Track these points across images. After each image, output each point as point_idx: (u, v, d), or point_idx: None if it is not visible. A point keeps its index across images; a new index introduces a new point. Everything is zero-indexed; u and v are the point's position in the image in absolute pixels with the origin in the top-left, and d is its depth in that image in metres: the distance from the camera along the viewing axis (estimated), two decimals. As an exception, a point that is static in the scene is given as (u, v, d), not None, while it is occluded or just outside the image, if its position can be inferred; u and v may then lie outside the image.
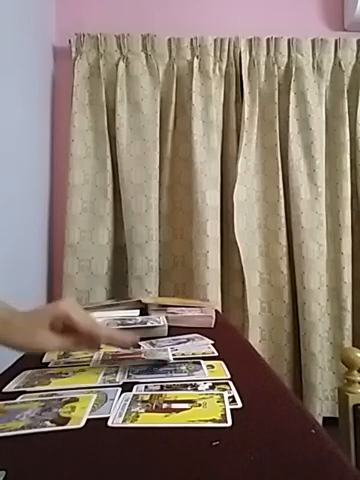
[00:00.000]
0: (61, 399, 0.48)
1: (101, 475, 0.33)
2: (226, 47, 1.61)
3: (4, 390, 0.53)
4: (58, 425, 0.41)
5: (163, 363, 0.59)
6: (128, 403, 0.46)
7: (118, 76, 1.57)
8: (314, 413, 1.47)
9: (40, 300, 1.52)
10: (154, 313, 1.00)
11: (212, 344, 0.72)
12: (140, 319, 0.89)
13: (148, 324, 0.82)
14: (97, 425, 0.41)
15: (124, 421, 0.41)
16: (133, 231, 1.53)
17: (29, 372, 0.60)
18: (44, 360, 0.67)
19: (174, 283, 1.61)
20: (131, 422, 0.41)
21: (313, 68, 1.64)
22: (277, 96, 1.62)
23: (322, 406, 1.51)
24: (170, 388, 0.50)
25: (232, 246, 1.57)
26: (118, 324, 0.84)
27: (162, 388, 0.50)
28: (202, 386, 0.51)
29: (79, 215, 1.55)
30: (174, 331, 0.82)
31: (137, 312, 1.03)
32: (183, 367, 0.58)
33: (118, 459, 0.35)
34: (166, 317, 0.90)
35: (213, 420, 0.41)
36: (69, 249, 1.53)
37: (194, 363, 0.61)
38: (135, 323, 0.84)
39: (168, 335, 0.80)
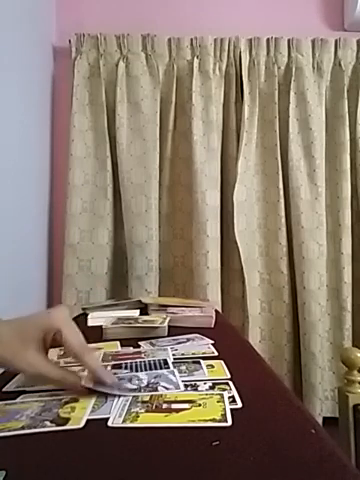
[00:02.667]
0: (61, 399, 0.48)
1: (101, 475, 0.33)
2: (226, 47, 1.62)
3: (4, 390, 0.53)
4: (58, 425, 0.41)
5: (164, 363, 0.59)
6: (128, 403, 0.45)
7: (118, 76, 1.57)
8: (314, 413, 1.47)
9: (40, 300, 1.52)
10: (154, 313, 1.00)
11: (212, 344, 0.72)
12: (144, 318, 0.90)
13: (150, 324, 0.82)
14: (97, 425, 0.41)
15: (124, 421, 0.41)
16: (133, 231, 1.53)
17: (29, 372, 0.60)
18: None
19: (174, 283, 1.61)
20: (131, 422, 0.41)
21: (313, 68, 1.64)
22: (277, 96, 1.62)
23: (322, 406, 1.51)
24: (170, 388, 0.50)
25: (232, 246, 1.57)
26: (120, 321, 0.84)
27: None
28: (202, 386, 0.51)
29: (79, 215, 1.55)
30: (174, 331, 0.81)
31: (137, 312, 1.03)
32: (183, 367, 0.58)
33: (118, 459, 0.35)
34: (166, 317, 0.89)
35: (213, 420, 0.41)
36: (69, 249, 1.53)
37: (194, 363, 0.61)
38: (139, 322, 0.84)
39: (168, 335, 0.80)
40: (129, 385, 0.51)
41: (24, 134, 1.36)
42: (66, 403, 0.46)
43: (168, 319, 0.85)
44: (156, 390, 0.49)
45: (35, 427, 0.41)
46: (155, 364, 0.59)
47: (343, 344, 1.56)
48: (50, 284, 1.59)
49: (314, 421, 0.42)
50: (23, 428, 0.41)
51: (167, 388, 0.50)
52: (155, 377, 0.54)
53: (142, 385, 0.51)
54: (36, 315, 0.53)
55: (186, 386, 0.51)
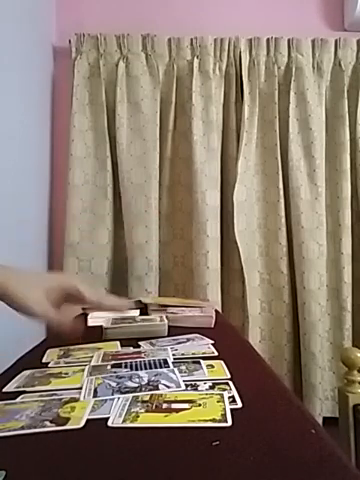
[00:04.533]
0: (61, 399, 0.48)
1: (101, 475, 0.33)
2: (226, 47, 1.62)
3: (4, 390, 0.53)
4: (58, 425, 0.41)
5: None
6: (128, 403, 0.45)
7: (118, 76, 1.57)
8: (314, 413, 1.47)
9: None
10: (154, 313, 1.00)
11: (212, 344, 0.72)
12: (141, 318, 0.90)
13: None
14: (97, 425, 0.41)
15: (124, 421, 0.41)
16: (133, 231, 1.53)
17: (29, 372, 0.60)
18: (44, 360, 0.67)
19: (174, 283, 1.61)
20: (131, 422, 0.41)
21: (313, 68, 1.64)
22: (277, 96, 1.62)
23: (322, 406, 1.51)
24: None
25: (232, 246, 1.57)
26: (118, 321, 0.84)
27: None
28: (202, 386, 0.51)
29: (79, 215, 1.55)
30: (174, 331, 0.81)
31: (137, 312, 1.03)
32: (183, 367, 0.58)
33: (118, 459, 0.35)
34: (166, 317, 0.89)
35: (213, 420, 0.41)
36: (69, 249, 1.53)
37: (194, 363, 0.60)
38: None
39: (168, 335, 0.80)
40: (130, 383, 0.51)
41: (24, 134, 1.36)
42: (66, 403, 0.46)
43: (166, 319, 0.85)
44: (157, 388, 0.49)
45: (35, 427, 0.41)
46: (155, 364, 0.59)
47: (343, 344, 1.56)
48: (50, 284, 1.59)
49: (314, 421, 0.42)
50: (23, 428, 0.41)
51: (168, 386, 0.50)
52: (155, 375, 0.54)
53: (143, 383, 0.51)
54: (54, 274, 0.65)
55: (186, 386, 0.51)
